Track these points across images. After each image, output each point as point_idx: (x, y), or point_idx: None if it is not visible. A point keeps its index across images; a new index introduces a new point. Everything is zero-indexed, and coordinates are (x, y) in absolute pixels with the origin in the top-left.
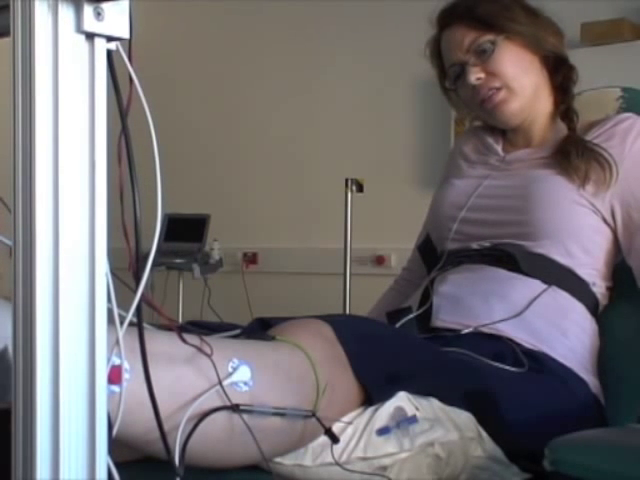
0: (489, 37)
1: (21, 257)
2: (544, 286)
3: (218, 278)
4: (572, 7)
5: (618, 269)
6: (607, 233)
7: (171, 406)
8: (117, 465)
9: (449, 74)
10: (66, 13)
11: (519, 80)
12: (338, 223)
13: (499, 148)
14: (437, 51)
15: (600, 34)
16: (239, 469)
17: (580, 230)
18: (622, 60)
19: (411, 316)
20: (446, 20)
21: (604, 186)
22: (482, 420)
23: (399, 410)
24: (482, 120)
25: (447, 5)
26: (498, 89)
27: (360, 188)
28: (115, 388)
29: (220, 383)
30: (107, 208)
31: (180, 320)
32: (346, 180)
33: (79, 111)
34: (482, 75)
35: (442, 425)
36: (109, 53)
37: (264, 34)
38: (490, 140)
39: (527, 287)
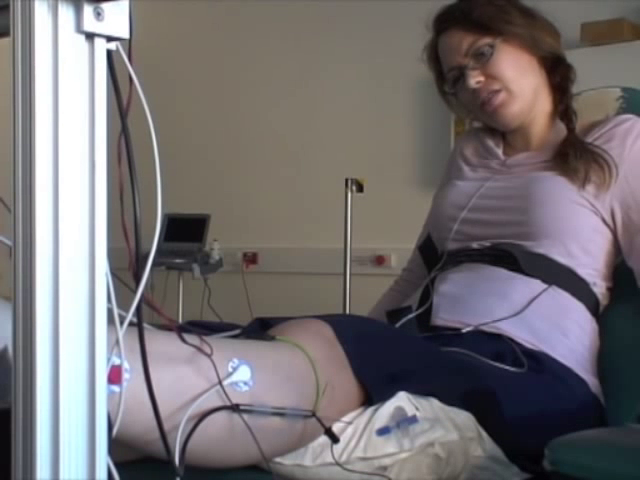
0: (487, 40)
1: (21, 257)
2: (544, 286)
3: (218, 278)
4: (572, 7)
5: (618, 269)
6: (607, 234)
7: (171, 406)
8: (117, 465)
9: (448, 78)
10: (66, 13)
11: (518, 82)
12: (338, 223)
13: (500, 152)
14: (434, 55)
15: (600, 34)
16: (239, 469)
17: (580, 230)
18: (622, 60)
19: (411, 315)
20: (443, 24)
21: (604, 187)
22: (482, 420)
23: (399, 410)
24: (482, 122)
25: (443, 9)
26: (497, 92)
27: (360, 188)
28: (115, 388)
29: (220, 383)
30: (107, 208)
31: (180, 320)
32: (346, 180)
33: (79, 111)
34: (481, 78)
35: (442, 425)
36: (109, 53)
37: (264, 34)
38: (491, 143)
39: (527, 286)
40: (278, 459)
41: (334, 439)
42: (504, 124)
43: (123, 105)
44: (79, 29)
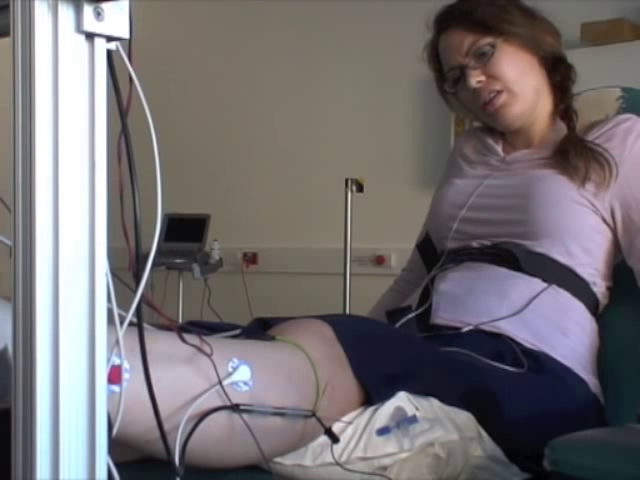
0: (488, 40)
1: (21, 257)
2: (544, 285)
3: (218, 278)
4: (572, 7)
5: (618, 269)
6: (607, 233)
7: (171, 406)
8: (117, 465)
9: (448, 78)
10: (66, 13)
11: (519, 82)
12: (338, 223)
13: (499, 149)
14: (435, 55)
15: (600, 34)
16: (239, 469)
17: (580, 230)
18: (622, 60)
19: (411, 315)
20: (443, 24)
21: (604, 186)
22: (482, 420)
23: (399, 410)
24: (482, 121)
25: (444, 9)
26: (499, 92)
27: (360, 188)
28: (115, 388)
29: (220, 383)
30: (107, 208)
31: (180, 320)
32: (346, 180)
33: (79, 111)
34: (482, 78)
35: (442, 425)
36: (109, 53)
37: (264, 34)
38: (490, 141)
39: (527, 286)
40: (278, 459)
41: (334, 439)
42: (505, 125)
43: (123, 105)
44: (79, 29)
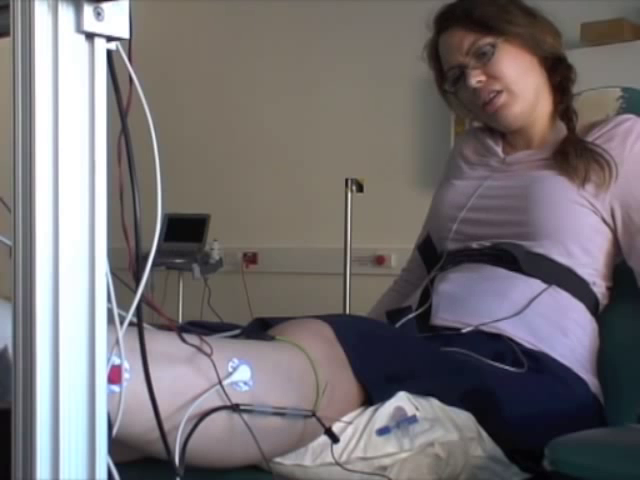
0: (488, 40)
1: (21, 257)
2: (544, 285)
3: (218, 278)
4: (572, 7)
5: (618, 269)
6: (607, 233)
7: (171, 406)
8: (117, 465)
9: (448, 77)
10: (66, 13)
11: (520, 83)
12: (338, 223)
13: (499, 150)
14: (435, 54)
15: (600, 34)
16: (239, 469)
17: (580, 230)
18: (622, 60)
19: (411, 316)
20: (444, 23)
21: (604, 186)
22: (482, 420)
23: (399, 410)
24: (482, 121)
25: (444, 8)
26: (499, 92)
27: (360, 188)
28: (115, 388)
29: (220, 383)
30: (107, 208)
31: (180, 320)
32: (346, 180)
33: (79, 111)
34: (483, 78)
35: (442, 425)
36: (109, 53)
37: (264, 34)
38: (490, 142)
39: (527, 286)
40: (278, 459)
41: (334, 439)
42: (505, 125)
43: (123, 105)
44: (79, 29)
